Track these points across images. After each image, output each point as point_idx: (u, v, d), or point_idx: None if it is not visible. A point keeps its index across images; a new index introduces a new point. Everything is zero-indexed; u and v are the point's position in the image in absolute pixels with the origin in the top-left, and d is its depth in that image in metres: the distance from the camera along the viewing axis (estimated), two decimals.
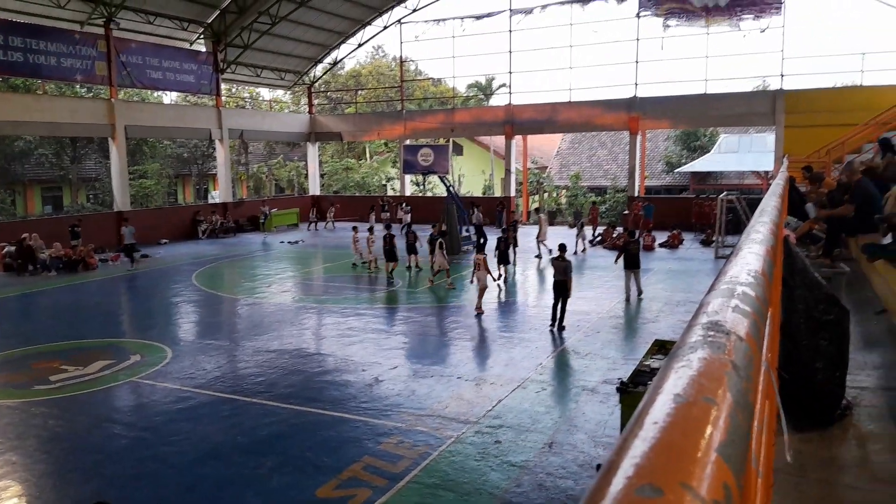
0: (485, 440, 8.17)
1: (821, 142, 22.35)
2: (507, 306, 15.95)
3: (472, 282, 16.02)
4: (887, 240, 7.33)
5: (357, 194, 43.33)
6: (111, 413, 9.67)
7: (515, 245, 21.12)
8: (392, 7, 35.49)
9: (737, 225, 22.45)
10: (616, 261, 16.71)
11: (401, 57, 38.49)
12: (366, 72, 54.30)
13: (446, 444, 8.07)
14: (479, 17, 33.34)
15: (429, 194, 41.46)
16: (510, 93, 34.30)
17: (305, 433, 8.57)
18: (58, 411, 9.56)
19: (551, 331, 13.06)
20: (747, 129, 37.57)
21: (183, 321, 15.84)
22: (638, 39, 30.04)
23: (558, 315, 13.21)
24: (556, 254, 13.68)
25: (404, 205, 33.27)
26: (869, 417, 4.20)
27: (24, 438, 8.65)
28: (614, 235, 25.50)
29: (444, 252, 18.15)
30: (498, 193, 38.15)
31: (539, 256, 22.33)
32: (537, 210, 27.90)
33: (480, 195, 40.52)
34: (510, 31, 32.79)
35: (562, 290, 13.08)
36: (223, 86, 34.41)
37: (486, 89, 44.71)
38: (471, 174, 45.17)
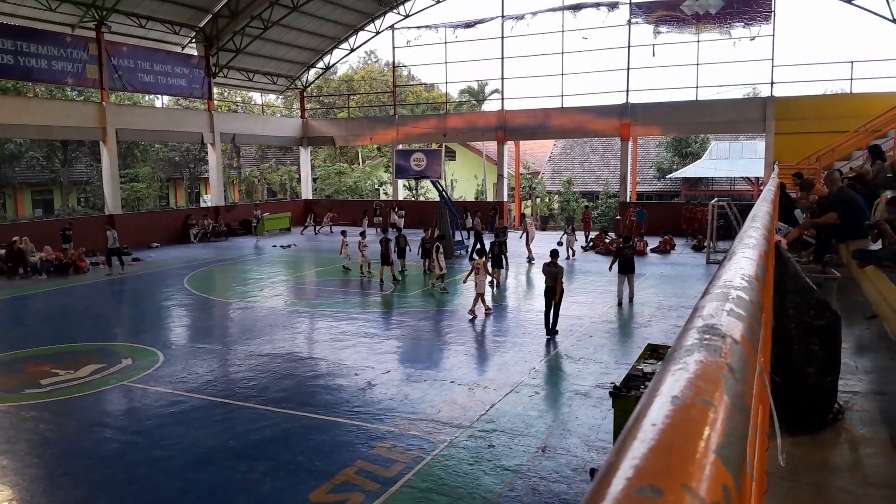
0: (478, 444, 8.17)
1: (811, 149, 22.52)
2: (500, 310, 15.96)
3: (465, 281, 16.12)
4: (877, 246, 7.40)
5: (350, 198, 43.29)
6: (102, 417, 9.61)
7: (505, 250, 21.15)
8: (385, 13, 35.54)
9: (728, 230, 22.58)
10: (611, 268, 16.65)
11: (393, 62, 38.57)
12: (358, 77, 54.32)
13: (439, 448, 8.06)
14: (471, 24, 33.41)
15: (421, 199, 41.47)
16: (502, 99, 34.39)
17: (298, 437, 8.54)
18: (49, 415, 9.49)
19: (548, 339, 13.01)
20: (738, 135, 37.82)
21: (175, 325, 15.77)
22: (629, 46, 30.19)
23: (551, 320, 13.21)
24: (547, 259, 13.70)
25: (397, 209, 33.26)
26: (861, 422, 4.22)
27: (14, 443, 8.59)
28: (606, 241, 25.61)
29: (443, 256, 18.06)
30: (490, 199, 38.19)
31: (531, 260, 22.65)
32: (523, 216, 28.10)
33: (473, 200, 40.56)
34: (502, 37, 32.88)
35: (552, 296, 13.08)
36: (215, 90, 34.36)
37: (478, 95, 44.81)
38: (463, 179, 45.22)
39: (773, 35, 27.85)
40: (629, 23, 30.06)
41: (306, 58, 38.02)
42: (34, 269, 21.53)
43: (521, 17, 32.27)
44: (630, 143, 31.40)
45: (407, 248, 20.60)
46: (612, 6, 30.27)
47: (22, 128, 25.86)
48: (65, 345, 13.34)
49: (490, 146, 39.13)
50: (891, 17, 26.59)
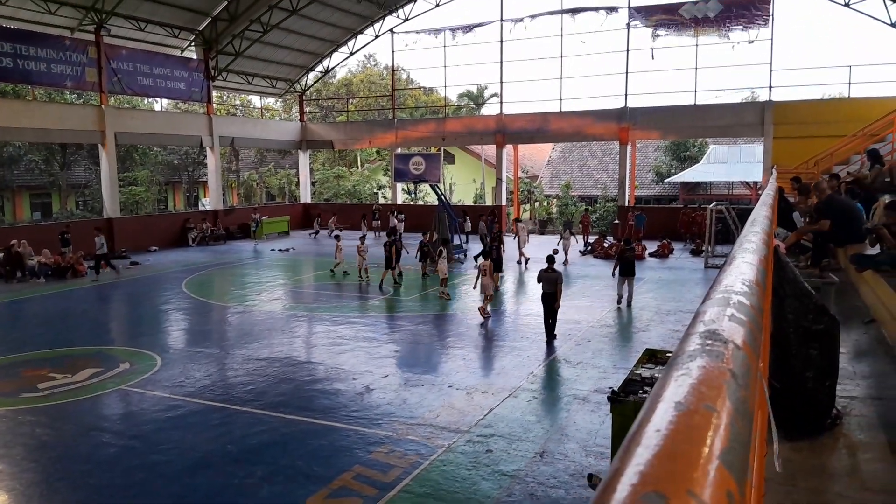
0: (476, 449, 8.16)
1: (809, 153, 22.57)
2: (498, 315, 15.95)
3: (475, 286, 16.13)
4: (875, 250, 7.41)
5: (348, 202, 43.31)
6: (100, 421, 9.59)
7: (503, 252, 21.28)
8: (384, 17, 35.60)
9: (726, 235, 22.60)
10: (614, 273, 16.96)
11: (392, 66, 38.62)
12: (357, 80, 54.39)
13: (437, 453, 8.05)
14: (470, 28, 33.47)
15: (420, 202, 41.49)
16: (501, 102, 34.44)
17: (296, 442, 8.53)
18: (46, 419, 9.47)
19: (546, 344, 12.96)
20: (736, 139, 37.89)
21: (173, 329, 15.75)
22: (628, 50, 30.25)
23: (549, 326, 13.15)
24: (543, 265, 13.67)
25: (396, 213, 33.24)
26: (859, 427, 4.22)
27: (11, 447, 8.56)
28: (605, 245, 25.64)
29: (445, 261, 17.97)
30: (489, 202, 38.23)
31: (521, 262, 23.00)
32: (517, 220, 28.30)
33: (471, 204, 40.59)
34: (501, 41, 32.94)
35: (551, 302, 13.04)
36: (214, 93, 34.39)
37: (477, 99, 44.90)
38: (462, 183, 45.26)
39: (772, 39, 27.95)
40: (628, 26, 30.14)
41: (305, 61, 38.07)
42: (32, 273, 21.50)
43: (520, 20, 32.34)
44: (629, 147, 31.45)
45: (403, 250, 20.64)
46: (611, 10, 30.35)
47: (21, 131, 25.86)
48: (62, 349, 13.31)
49: (489, 150, 39.19)
50: (889, 22, 26.69)
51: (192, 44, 32.56)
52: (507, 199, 35.57)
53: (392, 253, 19.11)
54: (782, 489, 3.46)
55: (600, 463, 7.68)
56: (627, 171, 31.69)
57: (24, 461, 8.15)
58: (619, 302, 16.37)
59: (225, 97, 43.47)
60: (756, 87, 34.08)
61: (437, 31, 34.20)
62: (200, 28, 31.76)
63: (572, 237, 24.50)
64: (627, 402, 6.70)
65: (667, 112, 30.36)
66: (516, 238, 24.48)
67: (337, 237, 22.64)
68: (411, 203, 40.55)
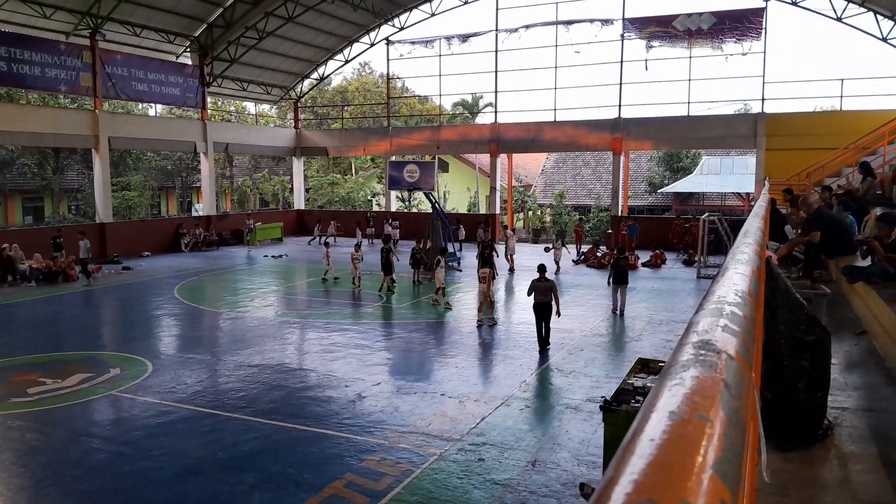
0: (468, 458, 8.14)
1: (801, 165, 22.73)
2: (485, 325, 15.92)
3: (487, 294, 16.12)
4: (866, 262, 7.45)
5: (342, 209, 43.28)
6: (90, 427, 9.52)
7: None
8: (379, 25, 35.69)
9: (718, 245, 22.69)
10: (609, 281, 17.10)
11: (387, 74, 38.68)
12: (352, 88, 54.46)
13: (429, 461, 8.03)
14: (465, 37, 33.58)
15: (414, 210, 41.51)
16: (496, 111, 34.52)
17: (287, 449, 8.49)
18: (35, 424, 9.40)
19: (540, 353, 12.89)
20: (729, 151, 38.07)
21: (164, 335, 15.68)
22: (622, 61, 30.41)
23: (543, 335, 13.08)
24: (534, 274, 13.64)
25: (391, 220, 33.23)
26: (850, 438, 4.24)
27: (0, 452, 8.51)
28: (598, 254, 25.70)
29: (443, 270, 17.90)
30: (483, 211, 38.28)
31: (512, 270, 23.26)
32: (505, 228, 28.47)
33: (465, 212, 40.63)
34: (496, 50, 33.07)
35: (545, 312, 12.96)
36: (209, 99, 34.36)
37: (472, 108, 45.00)
38: (456, 191, 45.31)
39: (765, 52, 28.15)
40: (622, 38, 30.30)
41: (301, 68, 38.10)
42: (23, 277, 21.38)
43: (515, 30, 32.48)
44: (622, 158, 31.58)
45: (394, 257, 20.70)
46: (606, 22, 30.52)
47: (14, 134, 25.76)
48: (53, 353, 13.23)
49: (483, 159, 39.26)
50: (880, 36, 26.94)
51: (188, 50, 32.54)
52: (501, 207, 35.63)
53: (389, 259, 19.21)
54: (773, 500, 3.47)
55: (592, 472, 7.67)
56: (621, 182, 31.80)
57: (13, 466, 8.09)
58: (614, 310, 16.54)
59: (220, 103, 43.39)
60: (749, 99, 34.37)
61: (432, 41, 34.30)
62: (196, 34, 31.76)
63: (563, 248, 24.42)
64: (619, 412, 6.70)
65: (660, 123, 30.51)
66: (504, 245, 24.60)
67: (326, 244, 22.65)
68: (405, 211, 40.58)
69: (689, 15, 28.77)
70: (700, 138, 30.54)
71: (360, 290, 19.84)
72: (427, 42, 34.41)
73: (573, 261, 25.92)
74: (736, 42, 28.51)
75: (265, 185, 49.91)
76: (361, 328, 15.67)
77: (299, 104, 40.82)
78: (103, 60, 27.51)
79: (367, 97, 51.38)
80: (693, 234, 26.73)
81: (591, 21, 30.83)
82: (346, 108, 46.36)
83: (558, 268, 23.25)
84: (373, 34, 36.45)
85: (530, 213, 41.41)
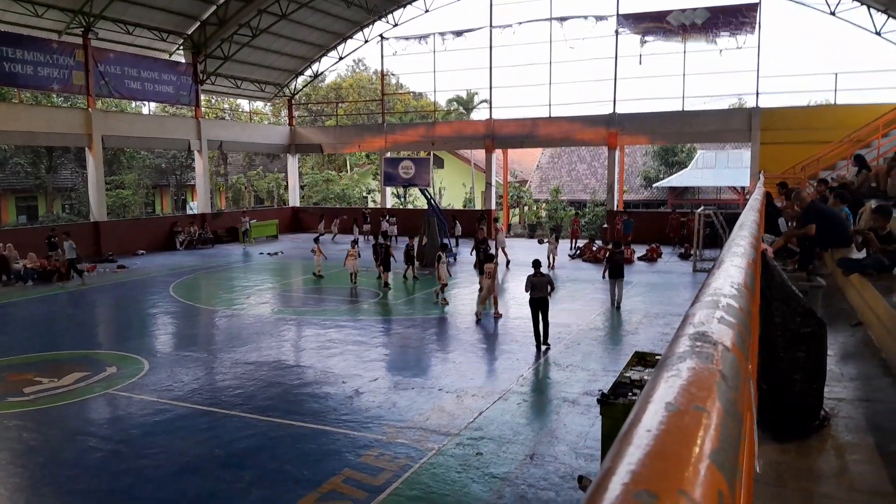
0: (466, 452, 8.15)
1: (796, 158, 22.79)
2: (486, 318, 15.95)
3: (481, 289, 16.04)
4: (861, 254, 7.48)
5: (337, 206, 43.24)
6: (86, 426, 9.50)
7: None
8: (373, 22, 35.60)
9: (714, 239, 22.74)
10: (604, 275, 17.36)
11: (382, 71, 38.62)
12: (347, 85, 54.37)
13: (427, 456, 8.04)
14: (459, 33, 33.52)
15: (410, 207, 41.49)
16: (491, 107, 34.51)
17: (285, 446, 8.49)
18: (32, 424, 9.38)
19: (542, 349, 12.75)
20: (724, 145, 38.15)
21: (160, 333, 15.65)
22: (616, 56, 30.41)
23: (541, 332, 12.92)
24: (528, 269, 13.60)
25: (388, 217, 33.14)
26: (846, 428, 4.26)
27: None
28: (594, 249, 25.72)
29: (445, 266, 17.75)
30: (478, 206, 38.28)
31: (508, 264, 23.30)
32: (495, 221, 28.55)
33: (461, 208, 40.63)
34: (490, 46, 33.03)
35: (543, 307, 12.87)
36: (203, 97, 34.24)
37: (467, 104, 44.96)
38: (451, 187, 45.30)
39: (759, 46, 28.17)
40: (616, 33, 30.29)
41: (294, 65, 38.00)
42: (18, 277, 21.31)
43: (509, 26, 32.44)
44: (617, 152, 31.59)
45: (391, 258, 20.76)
46: (600, 18, 30.50)
47: (7, 134, 25.64)
48: (48, 353, 13.20)
49: (478, 154, 39.25)
50: (874, 30, 26.98)
51: (181, 47, 32.43)
52: (496, 203, 35.63)
53: (389, 255, 19.53)
54: (771, 490, 3.48)
55: (590, 465, 7.69)
56: (616, 176, 31.82)
57: (10, 466, 8.08)
58: (612, 304, 16.71)
59: (213, 101, 43.31)
60: (743, 93, 34.35)
61: (426, 37, 34.24)
62: (189, 32, 31.65)
63: (556, 244, 24.02)
64: (617, 405, 6.72)
65: (655, 118, 30.53)
66: (494, 240, 24.66)
67: (316, 240, 22.62)
68: (401, 207, 40.54)
69: (684, 10, 28.78)
70: (695, 133, 30.58)
71: (356, 286, 19.82)
72: (421, 38, 34.34)
73: (569, 255, 25.93)
74: (730, 36, 28.53)
75: (260, 182, 49.82)
76: (358, 324, 15.66)
77: (293, 101, 40.72)
78: (96, 59, 27.39)
79: (361, 94, 51.29)
80: (690, 228, 26.80)
81: (586, 17, 30.83)
82: (340, 104, 46.26)
83: (553, 264, 23.09)
84: (367, 31, 36.37)
85: (526, 208, 41.43)
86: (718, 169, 37.63)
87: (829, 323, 4.93)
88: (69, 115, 27.79)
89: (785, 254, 9.29)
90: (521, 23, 32.11)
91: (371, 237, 30.00)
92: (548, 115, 32.53)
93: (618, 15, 30.10)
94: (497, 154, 35.47)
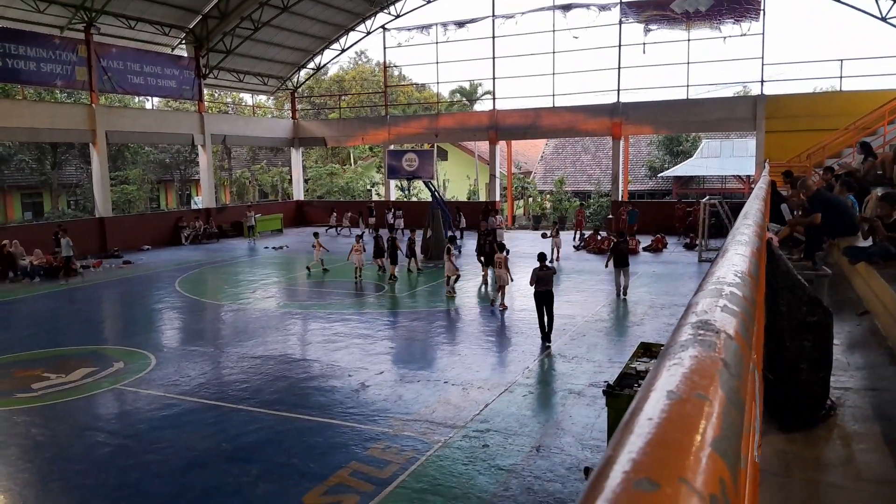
0: (472, 444, 8.17)
1: (801, 146, 22.65)
2: (493, 310, 15.96)
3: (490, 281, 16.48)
4: (868, 243, 7.45)
5: (341, 199, 43.25)
6: (94, 421, 9.56)
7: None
8: (375, 13, 35.52)
9: (719, 228, 22.67)
10: (607, 264, 17.41)
11: (384, 62, 38.54)
12: (349, 77, 54.26)
13: (434, 448, 8.06)
14: (462, 24, 33.42)
15: (414, 199, 41.47)
16: (494, 98, 34.40)
17: (291, 439, 8.52)
18: (40, 419, 9.44)
19: (545, 345, 12.71)
20: (729, 134, 37.97)
21: (167, 328, 15.71)
22: (620, 46, 30.28)
23: (546, 326, 12.83)
24: (532, 262, 13.55)
25: (394, 209, 33.03)
26: (853, 417, 4.24)
27: (5, 447, 8.54)
28: (598, 239, 25.67)
29: (454, 259, 17.62)
30: (483, 198, 38.23)
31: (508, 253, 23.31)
32: (496, 212, 28.49)
33: (465, 200, 40.58)
34: (493, 36, 32.92)
35: (548, 301, 12.76)
36: (205, 91, 34.25)
37: (470, 95, 44.85)
38: (455, 179, 45.24)
39: (763, 33, 28.01)
40: (620, 22, 30.15)
41: (297, 58, 37.95)
42: (24, 273, 21.40)
43: (512, 16, 32.32)
44: (621, 142, 31.50)
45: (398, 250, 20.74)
46: (603, 7, 30.36)
47: (11, 130, 25.71)
48: (55, 349, 13.26)
49: (482, 146, 39.17)
50: (879, 16, 26.77)
51: (183, 42, 32.42)
52: (500, 194, 35.59)
53: (395, 248, 19.59)
54: (777, 480, 3.48)
55: (596, 457, 7.70)
56: (620, 167, 31.74)
57: (18, 461, 8.13)
58: (617, 294, 16.72)
59: (216, 95, 43.35)
60: (748, 81, 34.18)
61: (428, 27, 34.14)
62: (191, 26, 31.62)
63: (558, 236, 23.64)
64: (623, 396, 6.72)
65: (659, 107, 30.40)
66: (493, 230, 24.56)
67: (316, 234, 22.61)
68: (405, 200, 40.52)
69: None
70: (699, 121, 30.45)
71: (361, 280, 19.83)
72: (423, 28, 34.25)
73: (574, 246, 25.89)
74: (734, 24, 28.38)
75: (264, 176, 49.84)
76: (363, 318, 15.69)
77: (296, 94, 40.69)
78: (98, 54, 27.40)
79: (364, 86, 51.20)
80: (696, 217, 26.72)
81: (589, 6, 30.68)
82: (343, 97, 46.20)
83: (557, 256, 22.81)
84: (369, 22, 36.28)
85: (530, 199, 41.36)
86: (723, 158, 37.47)
87: (836, 312, 4.91)
88: (73, 111, 27.85)
89: (791, 242, 9.26)
90: (524, 12, 32.01)
91: (372, 231, 29.97)
92: (551, 106, 32.44)
93: (621, 3, 29.96)
94: (501, 145, 35.40)
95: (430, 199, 27.55)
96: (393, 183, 37.29)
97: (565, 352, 12.15)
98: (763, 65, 28.13)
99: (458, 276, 17.54)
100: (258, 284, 20.35)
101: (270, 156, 51.70)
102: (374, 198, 42.66)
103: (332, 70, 52.57)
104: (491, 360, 12.03)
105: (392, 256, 19.73)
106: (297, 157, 40.17)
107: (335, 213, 34.71)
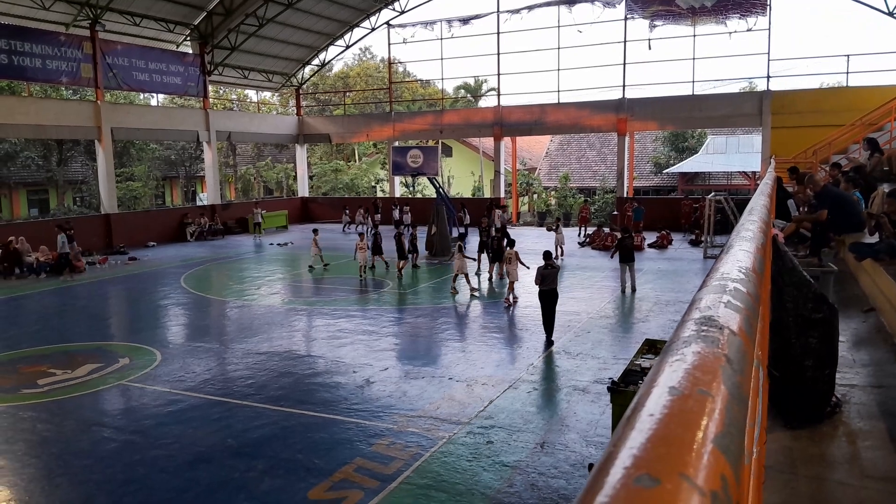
0: (477, 441, 8.17)
1: (807, 142, 22.56)
2: (497, 306, 15.96)
3: (501, 276, 16.75)
4: (874, 239, 7.42)
5: (346, 195, 43.28)
6: (100, 417, 9.60)
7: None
8: (380, 9, 35.50)
9: (725, 225, 22.61)
10: (612, 255, 17.61)
11: (389, 59, 38.50)
12: (354, 74, 54.26)
13: (438, 444, 8.06)
14: (466, 20, 33.37)
15: (419, 196, 41.47)
16: (499, 94, 34.36)
17: (296, 435, 8.54)
18: (46, 415, 9.48)
19: (549, 341, 12.60)
20: (734, 130, 37.84)
21: (172, 324, 15.75)
22: (625, 41, 30.19)
23: (549, 325, 12.72)
24: (537, 260, 13.50)
25: (401, 206, 32.98)
26: (858, 415, 4.23)
27: (12, 443, 8.58)
28: (602, 235, 25.62)
29: (464, 255, 17.30)
30: (487, 195, 38.21)
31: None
32: (495, 207, 28.44)
33: (470, 196, 40.57)
34: (498, 32, 32.86)
35: (553, 299, 12.63)
36: (210, 88, 34.28)
37: (475, 91, 44.80)
38: (460, 176, 45.22)
39: (769, 29, 27.89)
40: (625, 18, 30.06)
41: (301, 55, 37.96)
42: (30, 270, 21.48)
43: (517, 11, 32.24)
44: (627, 139, 31.42)
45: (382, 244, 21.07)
46: (608, 3, 30.25)
47: (17, 127, 25.80)
48: (61, 345, 13.32)
49: (487, 142, 39.13)
50: (887, 11, 26.62)
51: (188, 38, 32.45)
52: (505, 191, 35.55)
53: (402, 244, 19.77)
54: (783, 476, 3.47)
55: (601, 453, 7.66)
56: (626, 163, 31.66)
57: (25, 457, 8.17)
58: (623, 290, 16.75)
59: (221, 92, 43.31)
60: (754, 76, 34.00)
61: (433, 24, 34.10)
62: (196, 22, 31.65)
63: (560, 232, 23.41)
64: (627, 392, 6.72)
65: (665, 103, 30.31)
66: (492, 225, 24.35)
67: (315, 231, 22.61)
68: (409, 196, 40.52)
69: None
70: (705, 117, 30.35)
71: (365, 277, 19.84)
72: (428, 24, 34.21)
73: (578, 243, 25.86)
74: (740, 19, 28.26)
75: (269, 173, 49.92)
76: (368, 314, 15.70)
77: (301, 91, 40.70)
78: (104, 51, 27.46)
79: (368, 83, 51.19)
80: (703, 214, 26.62)
81: (594, 1, 30.60)
82: (347, 94, 46.21)
83: (562, 252, 22.61)
84: (373, 18, 36.27)
85: (535, 196, 41.31)
86: (729, 154, 37.36)
87: (841, 309, 4.90)
88: (78, 108, 27.92)
89: (797, 239, 9.23)
90: (529, 8, 31.91)
91: (372, 228, 29.86)
92: (556, 102, 32.38)
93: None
94: (506, 142, 35.36)
95: (434, 196, 27.53)
96: (398, 179, 37.29)
97: (570, 348, 12.14)
98: (769, 60, 28.03)
99: (467, 275, 17.34)
100: (263, 281, 20.39)
101: (275, 152, 51.77)
102: (379, 194, 42.68)
103: (337, 66, 52.68)
104: (495, 356, 12.02)
105: (400, 252, 19.85)
106: (301, 153, 40.19)
107: (347, 210, 34.54)
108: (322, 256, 21.55)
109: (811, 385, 4.12)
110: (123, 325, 16.14)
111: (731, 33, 28.53)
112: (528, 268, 15.66)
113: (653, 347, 8.20)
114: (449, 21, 33.63)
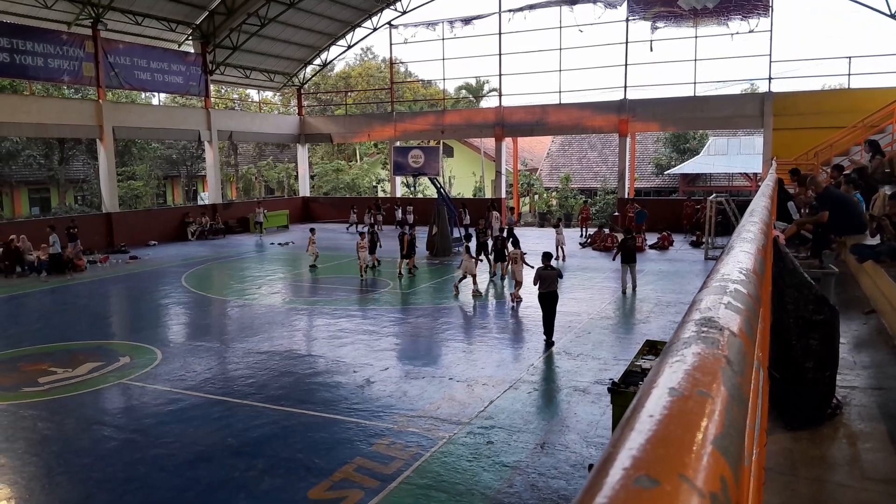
0: (477, 441, 8.17)
1: (809, 144, 22.54)
2: (498, 306, 15.96)
3: (503, 276, 17.13)
4: (875, 241, 7.41)
5: (347, 195, 43.28)
6: (101, 415, 9.60)
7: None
8: (381, 9, 35.50)
9: (726, 226, 22.59)
10: (614, 258, 17.66)
11: (390, 59, 38.50)
12: (355, 73, 54.26)
13: (438, 444, 8.06)
14: (468, 20, 33.37)
15: (420, 196, 41.47)
16: (500, 95, 34.36)
17: (297, 435, 8.54)
18: (47, 413, 9.48)
19: (550, 342, 12.53)
20: (736, 131, 37.84)
21: (173, 323, 15.76)
22: (627, 42, 30.18)
23: (548, 327, 12.65)
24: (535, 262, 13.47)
25: (405, 206, 32.97)
26: (859, 416, 4.23)
27: (12, 441, 8.59)
28: (603, 236, 25.62)
29: (471, 256, 17.22)
30: (489, 195, 38.21)
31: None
32: (490, 208, 28.43)
33: (471, 197, 40.57)
34: (500, 33, 32.86)
35: (552, 302, 12.56)
36: (212, 87, 34.30)
37: (476, 91, 44.80)
38: (461, 176, 45.21)
39: (771, 30, 27.87)
40: (627, 19, 30.05)
41: (303, 55, 37.98)
42: (31, 268, 21.49)
43: (519, 10, 32.23)
44: (628, 140, 31.41)
45: (379, 244, 21.23)
46: (610, 4, 30.24)
47: (18, 126, 25.83)
48: (62, 343, 13.32)
49: (488, 143, 39.13)
50: (888, 13, 26.59)
51: (190, 38, 32.48)
52: (506, 191, 35.54)
53: (405, 243, 19.68)
54: (783, 478, 3.47)
55: (601, 454, 7.68)
56: (627, 164, 31.64)
57: (25, 455, 8.17)
58: (623, 291, 16.77)
59: (223, 91, 43.34)
60: (756, 78, 33.93)
61: (434, 24, 34.10)
62: (198, 22, 31.67)
63: (561, 234, 23.22)
64: (628, 393, 6.72)
65: (666, 104, 30.30)
66: (489, 228, 24.47)
67: (312, 230, 22.61)
68: (411, 196, 40.53)
69: None
70: (707, 119, 30.34)
71: (366, 277, 19.84)
72: (429, 24, 34.21)
73: (579, 244, 25.86)
74: (742, 20, 28.25)
75: (270, 172, 49.93)
76: (368, 314, 15.71)
77: (302, 91, 40.71)
78: (105, 50, 27.48)
79: (370, 83, 51.20)
80: (691, 214, 26.65)
81: (595, 2, 30.59)
82: (349, 94, 46.22)
83: (563, 254, 22.46)
84: (375, 18, 36.28)
85: (536, 196, 41.31)
86: (730, 155, 37.36)
87: (842, 310, 4.89)
88: (80, 107, 27.94)
89: (797, 241, 9.23)
90: (531, 7, 31.90)
91: (369, 228, 29.76)
92: (558, 103, 32.38)
93: (628, 0, 29.85)
94: (507, 142, 35.35)
95: (435, 196, 27.52)
96: (399, 180, 37.28)
97: (570, 349, 12.14)
98: (771, 62, 28.01)
99: (475, 275, 17.13)
100: (264, 280, 20.40)
101: (276, 152, 51.79)
102: (381, 194, 42.67)
103: (339, 66, 52.62)
104: (496, 356, 12.02)
105: (409, 250, 19.91)
106: (303, 153, 40.21)
107: (355, 210, 34.39)
108: (317, 255, 21.57)
109: (812, 387, 4.12)
110: (124, 323, 16.15)
111: (732, 35, 28.53)
112: (532, 268, 15.57)
113: (653, 348, 8.20)
114: (450, 21, 33.63)
